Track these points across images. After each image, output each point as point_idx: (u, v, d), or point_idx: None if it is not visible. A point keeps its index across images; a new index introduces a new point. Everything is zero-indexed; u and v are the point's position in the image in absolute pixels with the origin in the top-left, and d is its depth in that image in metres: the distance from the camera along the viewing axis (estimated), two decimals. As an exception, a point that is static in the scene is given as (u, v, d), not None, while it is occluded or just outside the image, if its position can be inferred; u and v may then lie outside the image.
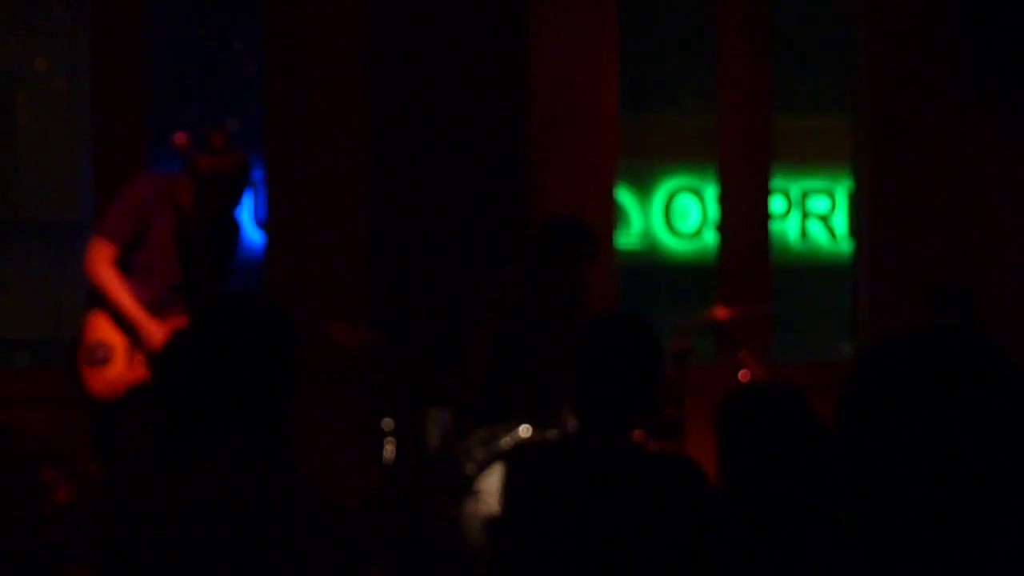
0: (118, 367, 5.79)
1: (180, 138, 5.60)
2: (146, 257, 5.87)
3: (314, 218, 7.60)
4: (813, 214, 9.80)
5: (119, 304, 5.80)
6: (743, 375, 6.96)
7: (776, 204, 9.16)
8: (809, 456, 3.23)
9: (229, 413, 2.66)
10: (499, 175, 7.83)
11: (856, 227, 9.02)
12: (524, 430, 6.14)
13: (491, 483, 5.80)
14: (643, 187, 9.68)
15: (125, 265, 5.89)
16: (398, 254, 7.72)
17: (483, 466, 6.00)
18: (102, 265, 5.83)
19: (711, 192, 9.15)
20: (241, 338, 2.70)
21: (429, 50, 7.80)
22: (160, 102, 8.17)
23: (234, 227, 6.19)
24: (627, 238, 9.40)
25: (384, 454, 6.26)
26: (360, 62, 7.73)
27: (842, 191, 9.69)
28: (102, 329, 5.85)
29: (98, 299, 5.87)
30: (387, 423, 6.23)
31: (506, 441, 6.07)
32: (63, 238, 9.28)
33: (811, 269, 9.95)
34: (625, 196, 9.46)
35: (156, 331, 5.73)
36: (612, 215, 8.12)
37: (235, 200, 5.97)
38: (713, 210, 9.07)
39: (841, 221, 9.73)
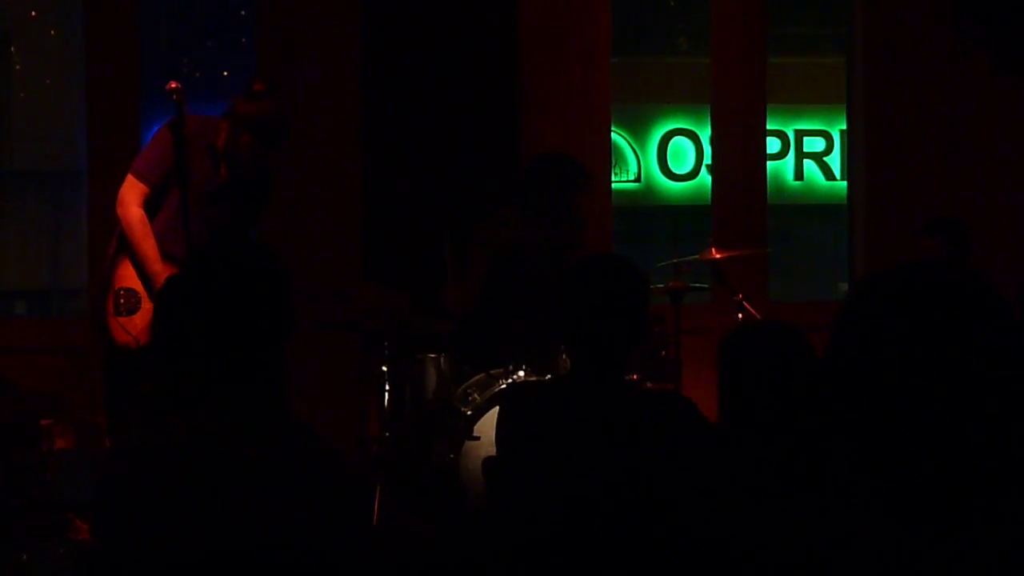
0: (145, 315, 5.72)
1: (173, 85, 5.56)
2: (179, 198, 5.78)
3: (306, 164, 7.59)
4: (809, 154, 9.80)
5: (140, 250, 5.74)
6: (740, 317, 6.97)
7: (771, 144, 9.15)
8: (808, 391, 3.27)
9: (225, 359, 2.67)
10: (493, 120, 7.80)
11: (851, 167, 9.02)
12: (521, 374, 6.15)
13: (489, 427, 5.82)
14: (638, 129, 9.67)
15: (157, 206, 5.82)
16: (392, 200, 7.71)
17: (481, 411, 6.02)
18: (132, 204, 5.78)
19: (706, 134, 9.14)
20: (236, 284, 2.70)
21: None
22: (153, 51, 8.15)
23: (265, 177, 6.14)
24: (623, 180, 9.40)
25: (382, 400, 6.26)
26: (351, 9, 7.70)
27: (837, 131, 9.69)
28: (131, 276, 5.80)
29: (125, 244, 5.81)
30: (384, 369, 6.24)
31: (503, 385, 6.08)
32: (58, 188, 9.27)
33: (807, 208, 9.96)
34: (621, 139, 9.46)
35: None
36: (607, 157, 8.10)
37: (269, 146, 5.93)
38: (708, 151, 9.07)
39: (837, 161, 9.73)
